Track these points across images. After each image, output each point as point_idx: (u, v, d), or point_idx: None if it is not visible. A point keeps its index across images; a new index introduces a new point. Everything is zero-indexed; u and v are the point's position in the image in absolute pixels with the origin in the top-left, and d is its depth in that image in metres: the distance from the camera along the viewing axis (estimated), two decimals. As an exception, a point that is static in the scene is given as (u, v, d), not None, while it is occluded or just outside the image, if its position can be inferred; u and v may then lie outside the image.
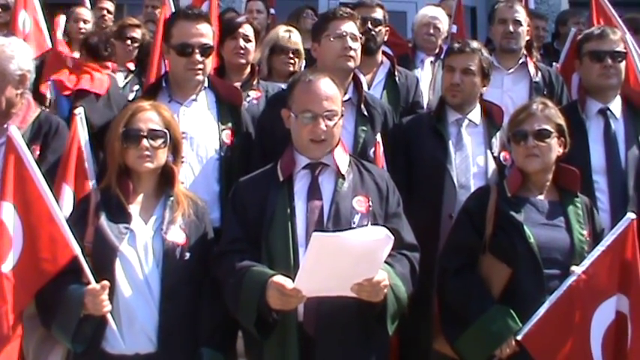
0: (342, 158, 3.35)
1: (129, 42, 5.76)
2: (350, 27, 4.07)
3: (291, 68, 5.05)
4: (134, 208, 3.29)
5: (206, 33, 3.92)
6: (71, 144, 3.65)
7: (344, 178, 3.30)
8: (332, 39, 4.04)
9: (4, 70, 3.67)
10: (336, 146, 3.35)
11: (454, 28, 5.91)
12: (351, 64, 4.06)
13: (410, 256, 3.30)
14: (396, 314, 3.21)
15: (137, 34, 5.80)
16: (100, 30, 5.62)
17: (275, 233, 3.20)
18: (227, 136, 3.93)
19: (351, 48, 4.03)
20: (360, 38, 4.14)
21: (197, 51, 3.86)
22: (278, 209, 3.23)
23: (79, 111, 3.78)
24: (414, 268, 3.31)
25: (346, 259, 2.91)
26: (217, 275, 3.26)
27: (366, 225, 3.22)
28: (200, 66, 3.88)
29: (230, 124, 3.96)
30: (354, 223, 3.21)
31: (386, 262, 3.10)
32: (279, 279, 3.03)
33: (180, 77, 3.94)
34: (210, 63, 3.99)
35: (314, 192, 3.28)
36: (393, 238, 2.96)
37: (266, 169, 3.41)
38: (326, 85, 3.31)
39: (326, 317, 3.12)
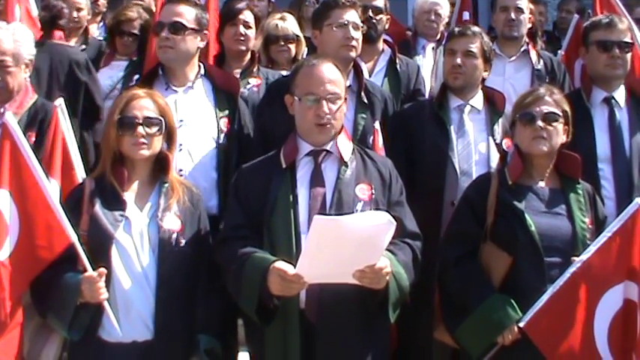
0: (345, 145, 3.33)
1: (126, 37, 5.70)
2: (352, 16, 4.05)
3: (287, 55, 5.00)
4: (129, 196, 3.26)
5: (183, 13, 3.87)
6: (54, 136, 3.57)
7: (347, 166, 3.28)
8: (334, 28, 4.02)
9: (19, 53, 3.71)
10: (339, 133, 3.33)
11: (466, 15, 5.85)
12: (353, 53, 4.05)
13: (412, 244, 3.29)
14: (398, 302, 3.20)
15: (134, 27, 5.71)
16: (49, 4, 5.47)
17: (277, 220, 3.18)
18: (224, 123, 3.91)
19: (353, 38, 4.02)
20: (362, 27, 4.11)
21: (166, 28, 3.82)
22: (280, 196, 3.21)
23: (60, 102, 3.69)
24: (417, 256, 3.29)
25: (348, 243, 2.89)
26: (219, 261, 3.25)
27: None
28: (168, 43, 3.84)
29: (227, 112, 3.93)
30: (356, 211, 3.18)
31: (388, 249, 3.09)
32: (281, 265, 3.02)
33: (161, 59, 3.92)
34: (189, 42, 3.88)
35: (317, 179, 3.27)
36: (395, 223, 2.95)
37: (269, 155, 3.39)
38: (329, 69, 3.30)
39: (328, 305, 3.11)
